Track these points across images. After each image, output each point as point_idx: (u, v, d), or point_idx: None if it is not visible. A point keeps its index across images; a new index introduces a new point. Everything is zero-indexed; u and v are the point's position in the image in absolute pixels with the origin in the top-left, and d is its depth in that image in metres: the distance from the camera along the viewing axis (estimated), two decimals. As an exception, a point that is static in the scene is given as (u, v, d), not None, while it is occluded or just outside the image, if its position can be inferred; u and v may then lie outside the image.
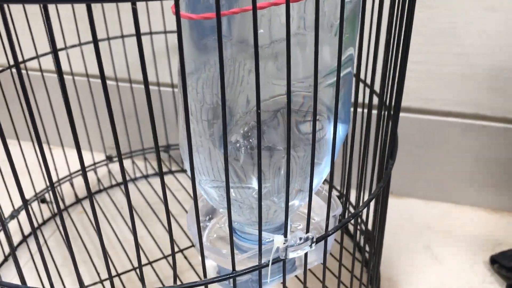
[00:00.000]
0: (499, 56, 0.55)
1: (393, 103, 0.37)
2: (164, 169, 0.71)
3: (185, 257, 0.53)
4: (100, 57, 0.22)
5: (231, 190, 0.30)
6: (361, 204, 0.36)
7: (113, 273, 0.51)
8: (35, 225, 0.60)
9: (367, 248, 0.44)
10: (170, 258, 0.53)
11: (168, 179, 0.69)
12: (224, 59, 0.27)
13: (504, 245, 0.57)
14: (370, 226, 0.54)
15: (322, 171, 0.32)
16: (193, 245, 0.54)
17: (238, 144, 0.28)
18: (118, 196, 0.66)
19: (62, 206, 0.64)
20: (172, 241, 0.27)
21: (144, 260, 0.53)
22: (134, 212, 0.60)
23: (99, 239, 0.26)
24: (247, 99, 0.27)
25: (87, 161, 0.67)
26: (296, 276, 0.49)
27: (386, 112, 0.38)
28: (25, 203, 0.26)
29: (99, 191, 0.67)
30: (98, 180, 0.67)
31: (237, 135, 0.28)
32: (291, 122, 0.28)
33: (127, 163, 0.70)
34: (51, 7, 0.57)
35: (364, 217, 0.55)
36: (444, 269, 0.54)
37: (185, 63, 0.27)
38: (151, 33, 0.63)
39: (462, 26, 0.54)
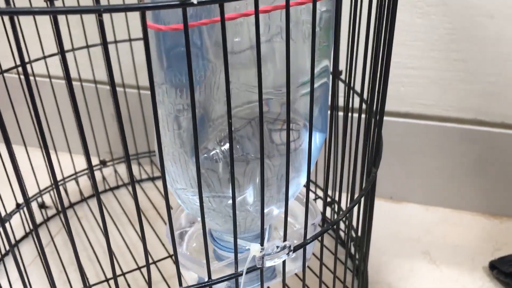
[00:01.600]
0: (497, 62, 0.55)
1: (378, 109, 0.37)
2: (158, 174, 0.71)
3: (158, 270, 0.52)
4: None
5: (207, 199, 0.30)
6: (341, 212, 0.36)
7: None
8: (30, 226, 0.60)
9: (354, 254, 0.44)
10: (144, 269, 0.52)
11: (159, 183, 0.69)
12: (197, 66, 0.27)
13: (503, 250, 0.57)
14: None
15: (299, 180, 0.32)
16: (169, 256, 0.53)
17: (212, 153, 0.28)
18: (111, 200, 0.66)
19: (59, 208, 0.64)
20: (146, 251, 0.27)
21: (117, 271, 0.52)
22: (126, 217, 0.60)
23: (106, 241, 0.27)
24: (222, 107, 0.27)
25: (81, 165, 0.68)
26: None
27: (370, 118, 0.38)
28: (27, 202, 0.26)
29: (92, 196, 0.67)
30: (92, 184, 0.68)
31: (212, 144, 0.28)
32: (267, 131, 0.28)
33: (121, 168, 0.71)
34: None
35: (354, 223, 0.55)
36: (443, 275, 0.54)
37: (158, 71, 0.27)
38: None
39: (461, 33, 0.54)
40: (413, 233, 0.60)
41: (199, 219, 0.34)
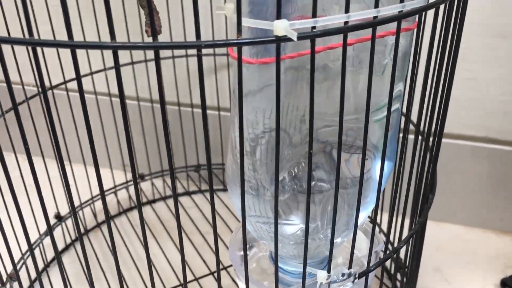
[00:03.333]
0: (509, 81, 0.55)
1: (435, 138, 0.37)
2: (195, 188, 0.71)
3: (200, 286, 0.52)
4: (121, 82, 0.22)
5: (270, 226, 0.30)
6: (402, 238, 0.36)
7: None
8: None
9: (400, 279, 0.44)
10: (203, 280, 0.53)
11: (197, 197, 0.69)
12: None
13: None
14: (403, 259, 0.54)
15: (367, 208, 0.32)
16: (211, 273, 0.54)
17: (284, 182, 0.28)
18: (149, 214, 0.67)
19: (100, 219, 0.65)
20: (184, 267, 0.27)
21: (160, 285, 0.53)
22: (165, 231, 0.61)
23: (146, 255, 0.27)
24: (293, 135, 0.27)
25: (119, 179, 0.68)
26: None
27: (425, 147, 0.38)
28: (74, 212, 0.26)
29: (130, 209, 0.68)
30: (130, 197, 0.68)
31: (284, 173, 0.28)
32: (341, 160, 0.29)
33: (158, 182, 0.71)
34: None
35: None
36: None
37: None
38: (187, 56, 0.64)
39: (472, 52, 0.55)
40: (425, 250, 0.60)
41: (262, 242, 0.35)
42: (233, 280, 0.53)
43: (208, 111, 0.68)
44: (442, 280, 0.55)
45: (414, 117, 0.47)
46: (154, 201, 0.69)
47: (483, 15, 0.53)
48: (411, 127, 0.47)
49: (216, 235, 0.26)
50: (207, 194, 0.70)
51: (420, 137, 0.37)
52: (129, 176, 0.71)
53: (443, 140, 0.60)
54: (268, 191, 0.28)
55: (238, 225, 0.37)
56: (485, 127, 0.59)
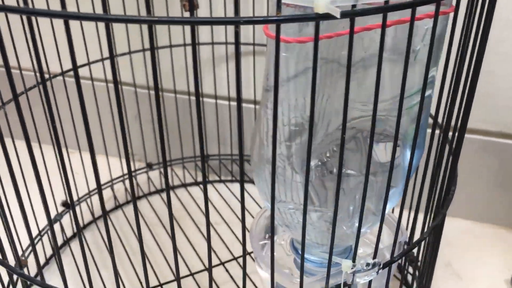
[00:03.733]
0: None
1: (455, 130, 0.37)
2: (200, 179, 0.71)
3: (226, 270, 0.52)
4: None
5: (299, 212, 0.29)
6: (425, 230, 0.36)
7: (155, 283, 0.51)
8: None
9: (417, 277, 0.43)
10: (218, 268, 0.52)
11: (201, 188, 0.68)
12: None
13: None
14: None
15: (393, 199, 0.31)
16: (234, 258, 0.54)
17: (315, 168, 0.28)
18: (157, 203, 0.66)
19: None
20: (210, 252, 0.27)
21: (185, 271, 0.52)
22: (174, 220, 0.60)
23: (139, 247, 0.26)
24: (328, 122, 0.27)
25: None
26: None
27: (443, 139, 0.37)
28: (72, 204, 0.26)
29: (139, 197, 0.67)
30: (138, 185, 0.68)
31: (315, 159, 0.28)
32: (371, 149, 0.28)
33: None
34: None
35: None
36: (464, 287, 0.53)
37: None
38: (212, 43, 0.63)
39: (488, 45, 0.54)
40: None
41: (282, 229, 0.34)
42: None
43: (206, 99, 0.67)
44: (453, 274, 0.55)
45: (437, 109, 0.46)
46: (162, 190, 0.69)
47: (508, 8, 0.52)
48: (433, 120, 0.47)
49: (244, 223, 0.25)
50: (216, 184, 0.69)
51: (439, 130, 0.36)
52: (138, 164, 0.70)
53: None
54: (297, 175, 0.28)
55: (260, 212, 0.36)
56: (498, 122, 0.58)
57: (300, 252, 0.35)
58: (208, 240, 0.26)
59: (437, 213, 0.38)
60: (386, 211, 0.33)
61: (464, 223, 0.63)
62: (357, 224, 0.28)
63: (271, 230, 0.26)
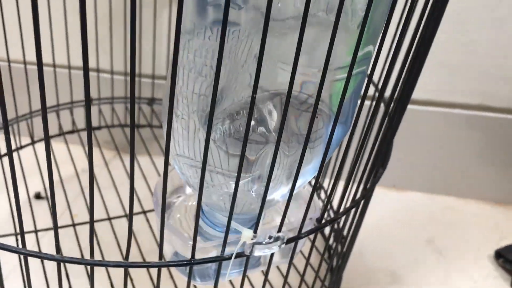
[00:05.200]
0: (505, 43, 0.52)
1: (396, 104, 0.35)
2: (144, 122, 0.68)
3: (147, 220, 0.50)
4: None
5: (208, 174, 0.27)
6: (341, 210, 0.34)
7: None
8: None
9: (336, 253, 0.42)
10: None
11: (145, 131, 0.66)
12: (230, 30, 0.24)
13: (509, 239, 0.56)
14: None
15: (309, 172, 0.29)
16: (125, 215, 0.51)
17: (225, 128, 0.25)
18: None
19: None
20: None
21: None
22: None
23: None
24: (249, 81, 0.24)
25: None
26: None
27: (387, 119, 0.35)
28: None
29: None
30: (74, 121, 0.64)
31: (227, 119, 0.25)
32: (289, 115, 0.26)
33: (105, 108, 0.67)
34: None
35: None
36: (447, 263, 0.53)
37: (184, 22, 0.24)
38: None
39: (468, 13, 0.51)
40: (417, 222, 0.58)
41: (190, 190, 0.32)
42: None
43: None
44: (435, 251, 0.54)
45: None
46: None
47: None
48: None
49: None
50: (156, 130, 0.66)
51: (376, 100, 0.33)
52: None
53: (436, 109, 0.57)
54: (200, 131, 0.25)
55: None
56: (480, 93, 0.55)
57: (205, 215, 0.33)
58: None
59: (363, 194, 0.36)
60: (300, 184, 0.31)
61: (447, 199, 0.62)
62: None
63: (197, 205, 0.23)
